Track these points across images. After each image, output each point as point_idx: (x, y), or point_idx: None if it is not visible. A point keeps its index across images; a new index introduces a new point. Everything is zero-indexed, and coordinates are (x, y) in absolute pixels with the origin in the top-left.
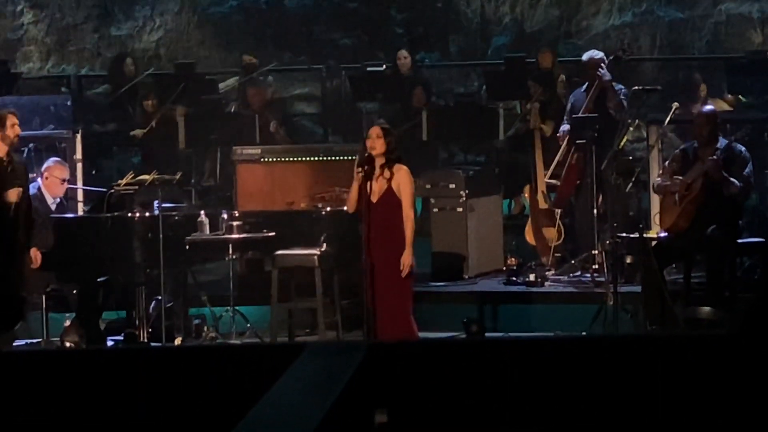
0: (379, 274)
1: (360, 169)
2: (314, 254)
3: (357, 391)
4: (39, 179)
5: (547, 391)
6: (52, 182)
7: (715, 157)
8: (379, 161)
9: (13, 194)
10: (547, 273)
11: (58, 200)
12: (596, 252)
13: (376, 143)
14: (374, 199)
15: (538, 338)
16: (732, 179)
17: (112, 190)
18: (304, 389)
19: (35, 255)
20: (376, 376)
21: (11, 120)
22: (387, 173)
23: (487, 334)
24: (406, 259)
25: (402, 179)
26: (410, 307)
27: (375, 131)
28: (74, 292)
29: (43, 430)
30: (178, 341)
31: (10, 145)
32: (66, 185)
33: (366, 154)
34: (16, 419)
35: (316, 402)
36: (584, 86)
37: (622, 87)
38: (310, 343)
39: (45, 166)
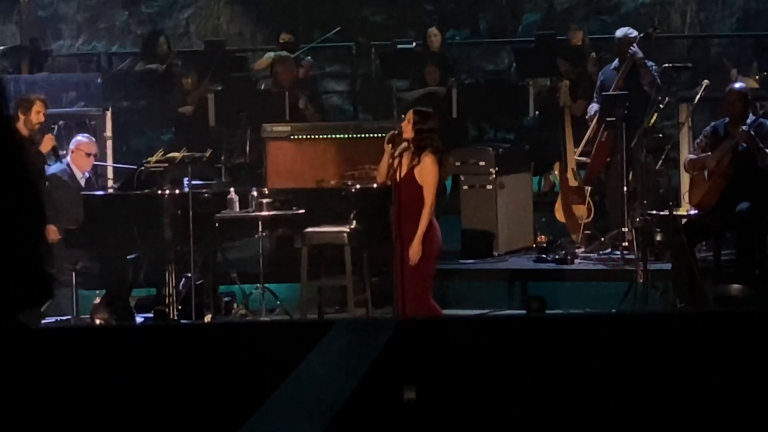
0: (398, 253)
1: (389, 145)
2: (344, 232)
3: (385, 368)
4: (67, 156)
5: (575, 368)
6: (79, 156)
7: (746, 127)
8: (409, 145)
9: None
10: (576, 250)
11: (87, 175)
12: (626, 229)
13: (406, 128)
14: (398, 178)
15: (564, 315)
16: (767, 150)
17: (142, 168)
18: (331, 367)
19: (53, 231)
20: (404, 353)
21: (38, 107)
22: (414, 158)
23: (517, 312)
24: (415, 247)
25: (424, 168)
26: (428, 288)
27: (408, 115)
28: (104, 269)
29: (71, 407)
30: (207, 318)
31: (31, 130)
32: (93, 159)
33: (397, 132)
34: (44, 396)
35: (343, 379)
36: (614, 63)
37: (653, 64)
38: (338, 320)
39: (72, 141)
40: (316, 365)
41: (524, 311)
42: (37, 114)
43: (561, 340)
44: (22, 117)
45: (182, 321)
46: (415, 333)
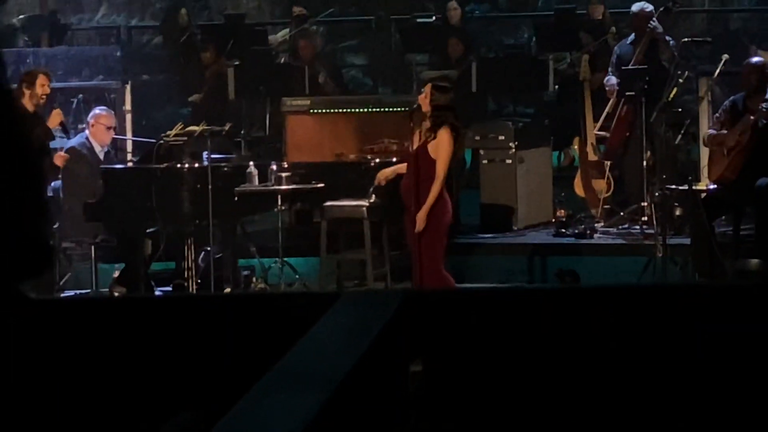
0: (413, 225)
1: (410, 118)
2: (363, 205)
3: (391, 339)
4: (86, 129)
5: (588, 341)
6: (99, 130)
7: (765, 105)
8: (426, 118)
9: (59, 158)
10: (596, 225)
11: (106, 149)
12: (645, 204)
13: (423, 102)
14: (412, 149)
15: (575, 287)
16: None
17: (161, 141)
18: (336, 337)
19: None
20: (411, 324)
21: (42, 79)
22: (430, 132)
23: (536, 286)
24: (421, 215)
25: (440, 143)
26: (440, 260)
27: (426, 88)
28: (123, 242)
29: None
30: (227, 292)
31: (36, 104)
32: (113, 133)
33: (416, 104)
34: (63, 368)
35: (347, 350)
36: (630, 38)
37: (672, 39)
38: (346, 291)
39: (91, 114)
40: (321, 336)
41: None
42: (42, 87)
43: (573, 312)
44: (27, 91)
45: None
46: (423, 304)
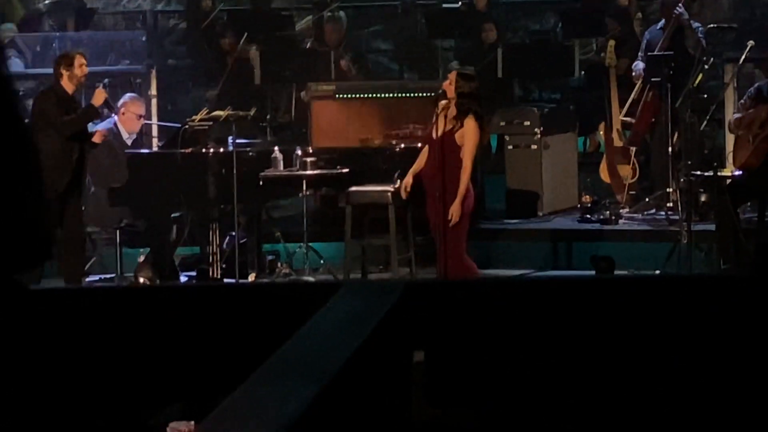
0: (438, 211)
1: (434, 104)
2: (388, 191)
3: (391, 329)
4: (114, 115)
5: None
6: (129, 118)
7: None
8: (451, 105)
9: (98, 136)
10: (621, 211)
11: (134, 136)
12: (671, 190)
13: (448, 89)
14: (435, 136)
15: (577, 277)
16: None
17: (187, 126)
18: (335, 328)
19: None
20: (412, 315)
21: (79, 60)
22: (456, 121)
23: (560, 272)
24: (455, 209)
25: (466, 131)
26: (462, 247)
27: (451, 76)
28: (148, 227)
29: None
30: (251, 277)
31: (77, 84)
32: (142, 121)
33: (441, 90)
34: (84, 357)
35: (346, 341)
36: (659, 24)
37: (699, 25)
38: (348, 281)
39: (121, 101)
40: (320, 326)
41: (576, 271)
42: (81, 67)
43: (576, 302)
44: (65, 73)
45: (225, 280)
46: (424, 295)
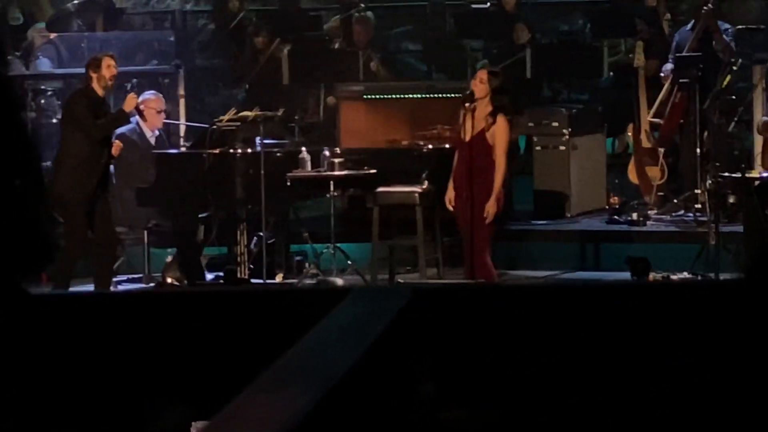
0: (467, 212)
1: (463, 106)
2: (416, 192)
3: (396, 337)
4: (136, 114)
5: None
6: (149, 114)
7: None
8: (481, 104)
9: (116, 148)
10: (649, 212)
11: (157, 133)
12: (699, 191)
13: (478, 87)
14: (467, 137)
15: (598, 283)
16: None
17: (215, 126)
18: (338, 334)
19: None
20: (419, 320)
21: (107, 62)
22: (486, 119)
23: (588, 273)
24: (491, 207)
25: (498, 129)
26: (487, 248)
27: (480, 75)
28: (175, 227)
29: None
30: (279, 278)
31: (105, 86)
32: (163, 116)
33: (468, 91)
34: (64, 364)
35: (348, 348)
36: (689, 24)
37: (728, 26)
38: (356, 287)
39: (140, 99)
40: (324, 333)
41: (604, 272)
42: (109, 68)
43: (588, 309)
44: (93, 75)
45: (253, 280)
46: (431, 301)
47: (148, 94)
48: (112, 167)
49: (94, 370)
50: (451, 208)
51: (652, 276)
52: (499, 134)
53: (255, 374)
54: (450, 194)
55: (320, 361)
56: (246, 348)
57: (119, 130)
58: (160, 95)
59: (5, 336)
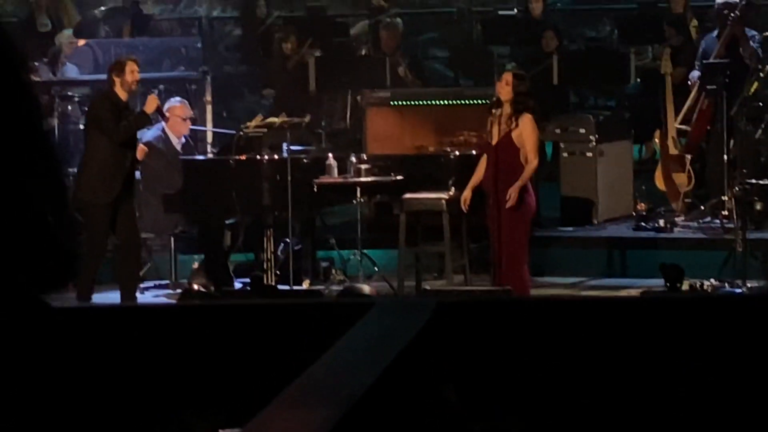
0: (495, 218)
1: (490, 113)
2: (442, 198)
3: (419, 351)
4: (162, 121)
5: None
6: (175, 122)
7: None
8: (506, 107)
9: (141, 152)
10: (676, 218)
11: (183, 140)
12: (726, 198)
13: (504, 90)
14: (493, 142)
15: (623, 298)
16: None
17: (241, 133)
18: (361, 350)
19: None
20: (442, 335)
21: (131, 66)
22: (511, 120)
23: (615, 280)
24: (514, 191)
25: (524, 129)
26: (523, 255)
27: (506, 77)
28: (202, 234)
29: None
30: (306, 284)
31: (128, 90)
32: (189, 123)
33: (495, 98)
34: (66, 378)
35: (370, 364)
36: (715, 31)
37: (755, 33)
38: (380, 299)
39: (166, 106)
40: (348, 346)
41: (631, 279)
42: (132, 73)
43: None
44: (117, 80)
45: (279, 286)
46: (455, 316)
47: (174, 101)
48: (138, 173)
49: (117, 383)
50: (464, 209)
51: (685, 283)
52: (527, 132)
53: (280, 388)
54: (466, 194)
55: (345, 375)
56: (270, 361)
57: (145, 138)
58: (186, 102)
59: (27, 352)
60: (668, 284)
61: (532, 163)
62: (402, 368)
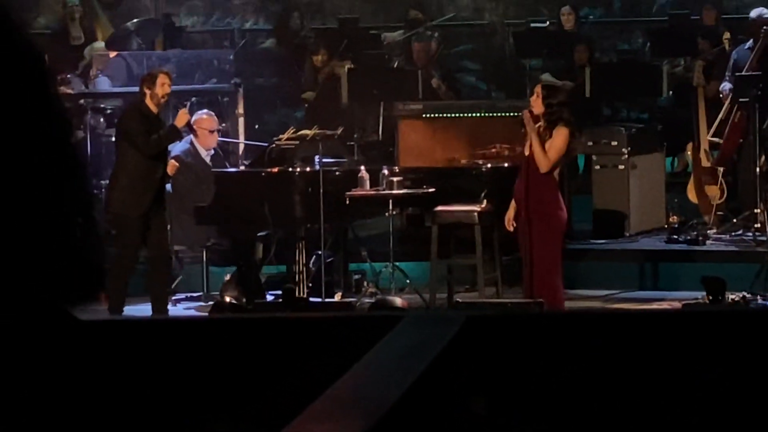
0: (525, 230)
1: (521, 124)
2: (474, 210)
3: (447, 366)
4: (189, 132)
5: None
6: (202, 134)
7: None
8: (539, 119)
9: (171, 167)
10: (708, 231)
11: (212, 152)
12: (758, 211)
13: (535, 102)
14: (527, 152)
15: (657, 312)
16: None
17: (273, 145)
18: (388, 363)
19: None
20: (469, 350)
21: (162, 79)
22: (546, 132)
23: (647, 293)
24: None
25: (554, 138)
26: (555, 266)
27: (536, 89)
28: (234, 246)
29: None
30: (338, 296)
31: (158, 104)
32: (217, 135)
33: (527, 110)
34: (93, 391)
35: (398, 377)
36: (747, 44)
37: None
38: (410, 313)
39: (193, 119)
40: (376, 360)
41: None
42: (162, 86)
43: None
44: (147, 92)
45: (311, 299)
46: (484, 330)
47: (201, 114)
48: (169, 186)
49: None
50: (510, 229)
51: (728, 296)
52: (554, 141)
53: (307, 402)
54: (510, 213)
55: (372, 389)
56: (297, 375)
57: (174, 151)
58: (213, 114)
59: (53, 365)
60: (710, 297)
61: (547, 161)
62: (431, 381)
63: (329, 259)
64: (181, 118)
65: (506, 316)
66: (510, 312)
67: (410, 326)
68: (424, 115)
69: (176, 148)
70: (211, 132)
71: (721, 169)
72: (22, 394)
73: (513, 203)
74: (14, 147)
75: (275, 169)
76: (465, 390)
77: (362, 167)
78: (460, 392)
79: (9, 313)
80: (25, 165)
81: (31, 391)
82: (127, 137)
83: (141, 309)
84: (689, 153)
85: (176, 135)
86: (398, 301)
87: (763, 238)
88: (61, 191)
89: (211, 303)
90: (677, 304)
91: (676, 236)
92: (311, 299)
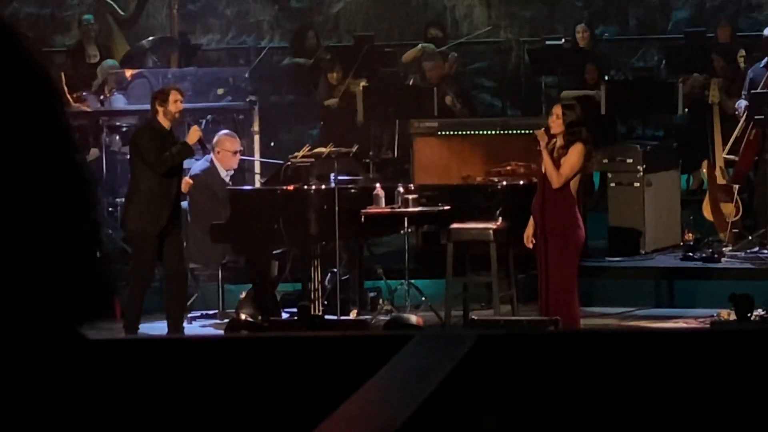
0: (542, 247)
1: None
2: (490, 228)
3: (457, 385)
4: (211, 153)
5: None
6: (224, 156)
7: None
8: (558, 139)
9: (185, 185)
10: (724, 249)
11: (231, 172)
12: None
13: (555, 123)
14: (543, 170)
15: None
16: None
17: (289, 163)
18: (397, 382)
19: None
20: (481, 369)
21: (174, 96)
22: (563, 150)
23: (663, 310)
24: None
25: (569, 155)
26: (571, 283)
27: (556, 110)
28: (249, 263)
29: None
30: (353, 314)
31: (171, 120)
32: (239, 156)
33: (544, 128)
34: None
35: (407, 397)
36: (763, 61)
37: None
38: (421, 331)
39: (215, 139)
40: (385, 379)
41: (678, 309)
42: (175, 103)
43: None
44: (160, 109)
45: (327, 316)
46: (496, 348)
47: (223, 134)
48: (185, 204)
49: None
50: (530, 246)
51: (756, 313)
52: (569, 157)
53: (318, 420)
54: (529, 231)
55: (382, 408)
56: (307, 394)
57: (193, 170)
58: (235, 135)
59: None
60: (739, 314)
61: (561, 176)
62: (441, 400)
63: (344, 277)
64: (192, 135)
65: (518, 334)
66: (522, 330)
67: (421, 345)
68: (439, 133)
69: (195, 166)
70: (234, 153)
71: (736, 186)
72: (27, 415)
73: (531, 220)
74: (19, 165)
75: (291, 187)
76: (476, 409)
77: (377, 185)
78: (471, 411)
79: (16, 332)
80: (29, 183)
81: (37, 412)
82: (139, 154)
83: (157, 327)
84: (705, 170)
85: (188, 152)
86: (413, 318)
87: None
88: (69, 211)
89: (226, 320)
90: (693, 322)
91: (691, 253)
92: (326, 317)
